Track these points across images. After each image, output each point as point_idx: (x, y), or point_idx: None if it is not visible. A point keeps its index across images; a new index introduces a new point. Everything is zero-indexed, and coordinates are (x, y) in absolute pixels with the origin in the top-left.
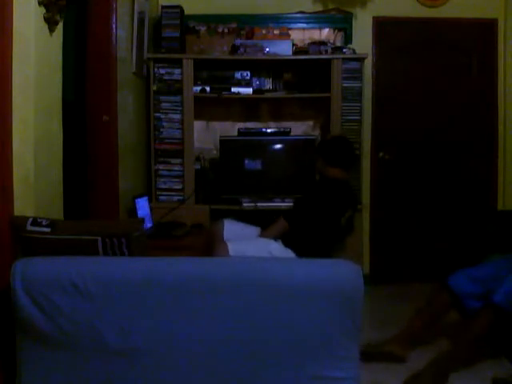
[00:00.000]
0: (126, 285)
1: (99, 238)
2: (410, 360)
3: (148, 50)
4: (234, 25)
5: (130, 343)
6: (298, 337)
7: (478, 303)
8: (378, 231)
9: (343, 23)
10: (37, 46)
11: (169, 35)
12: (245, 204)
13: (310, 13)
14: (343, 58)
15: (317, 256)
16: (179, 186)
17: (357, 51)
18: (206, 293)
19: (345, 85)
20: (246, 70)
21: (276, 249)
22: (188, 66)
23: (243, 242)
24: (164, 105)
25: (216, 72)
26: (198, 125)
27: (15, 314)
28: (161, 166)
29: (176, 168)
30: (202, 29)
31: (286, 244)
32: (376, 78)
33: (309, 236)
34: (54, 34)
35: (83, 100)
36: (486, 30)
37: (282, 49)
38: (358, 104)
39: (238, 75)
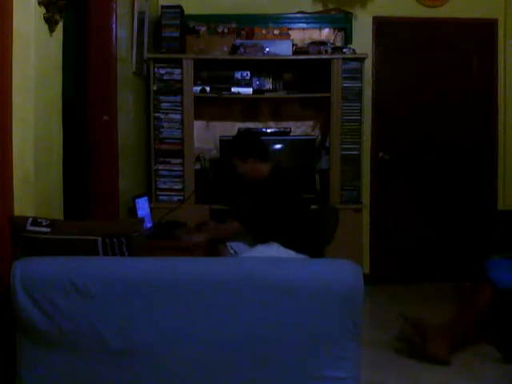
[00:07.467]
0: (126, 285)
1: (99, 238)
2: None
3: (148, 50)
4: (233, 25)
5: (129, 343)
6: (298, 336)
7: None
8: (378, 231)
9: (343, 23)
10: (37, 46)
11: (169, 35)
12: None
13: (310, 13)
14: (343, 58)
15: (309, 241)
16: (179, 186)
17: (357, 51)
18: (206, 293)
19: (345, 85)
20: (245, 70)
21: (280, 251)
22: (188, 66)
23: (248, 250)
24: (164, 105)
25: (216, 72)
26: (198, 125)
27: (15, 314)
28: (161, 166)
29: (176, 168)
30: (202, 29)
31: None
32: (376, 78)
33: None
34: (53, 34)
35: (83, 100)
36: (485, 29)
37: (281, 49)
38: (358, 104)
39: (237, 75)
